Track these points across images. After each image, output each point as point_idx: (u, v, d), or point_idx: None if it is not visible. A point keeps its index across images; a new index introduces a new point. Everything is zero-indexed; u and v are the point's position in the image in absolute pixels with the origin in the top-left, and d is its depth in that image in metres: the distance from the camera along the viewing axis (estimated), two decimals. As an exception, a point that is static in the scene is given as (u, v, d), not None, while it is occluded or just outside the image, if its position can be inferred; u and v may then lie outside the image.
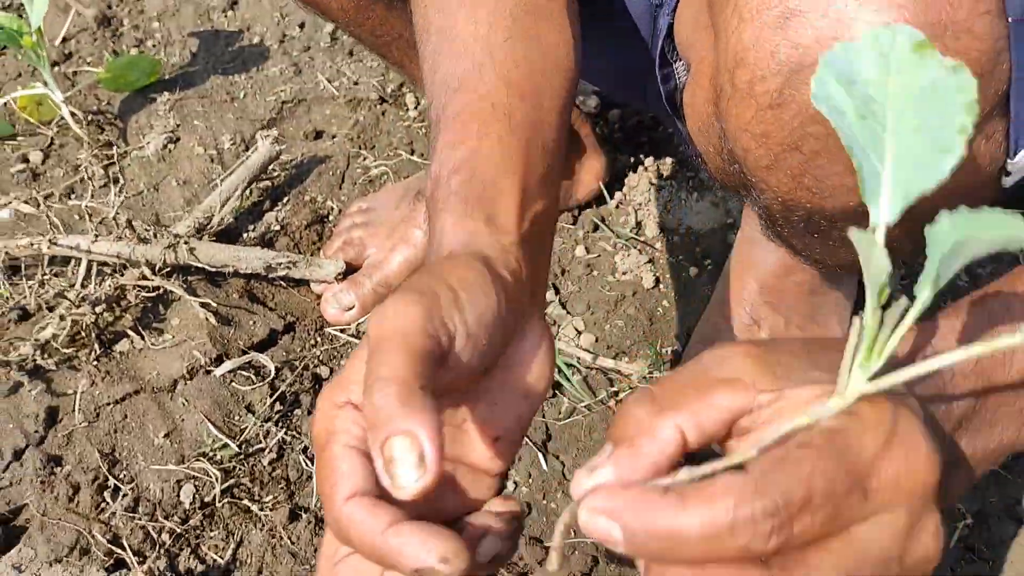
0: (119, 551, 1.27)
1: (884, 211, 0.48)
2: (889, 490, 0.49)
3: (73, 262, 1.53)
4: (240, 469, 1.37)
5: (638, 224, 1.70)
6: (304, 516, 1.33)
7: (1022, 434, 0.61)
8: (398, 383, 0.53)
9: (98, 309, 1.46)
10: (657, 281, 1.60)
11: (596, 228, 1.71)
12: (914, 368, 0.48)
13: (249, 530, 1.33)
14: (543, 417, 1.45)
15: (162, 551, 1.28)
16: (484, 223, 0.71)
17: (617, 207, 1.74)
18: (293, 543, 1.31)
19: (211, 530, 1.33)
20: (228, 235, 1.69)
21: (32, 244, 1.50)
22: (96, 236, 1.51)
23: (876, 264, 0.45)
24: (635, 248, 1.66)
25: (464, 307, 0.60)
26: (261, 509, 1.35)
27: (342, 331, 1.57)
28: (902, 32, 0.48)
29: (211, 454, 1.37)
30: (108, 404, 1.41)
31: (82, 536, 1.28)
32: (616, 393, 1.47)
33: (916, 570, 0.51)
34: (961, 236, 0.42)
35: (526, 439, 1.42)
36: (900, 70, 0.47)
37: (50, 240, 1.50)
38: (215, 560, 1.30)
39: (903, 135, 0.47)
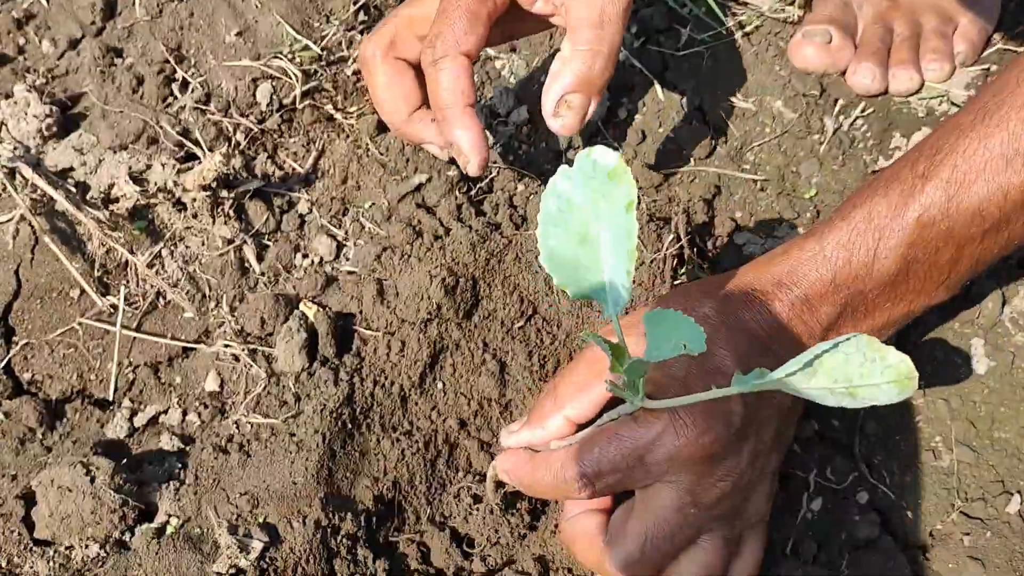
0: (189, 144, 1.14)
1: (611, 307, 0.74)
2: (665, 463, 0.78)
3: None
4: (322, 74, 1.21)
5: None
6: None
7: (897, 313, 0.86)
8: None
9: None
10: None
11: None
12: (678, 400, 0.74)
13: (332, 139, 1.19)
14: (660, 48, 1.28)
15: (236, 150, 1.15)
16: None
17: None
18: (382, 154, 1.17)
19: (290, 135, 1.19)
20: None
21: None
22: None
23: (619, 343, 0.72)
24: None
25: None
26: (345, 118, 1.20)
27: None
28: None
29: (290, 55, 1.21)
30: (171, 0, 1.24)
31: (148, 126, 1.14)
32: (742, 25, 1.28)
33: (715, 507, 0.80)
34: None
35: (643, 69, 1.25)
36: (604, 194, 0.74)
37: None
38: (294, 168, 1.17)
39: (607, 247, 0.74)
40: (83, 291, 1.08)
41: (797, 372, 0.66)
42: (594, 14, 0.93)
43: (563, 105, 0.95)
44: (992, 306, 1.02)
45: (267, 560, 0.88)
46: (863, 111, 1.18)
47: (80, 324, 1.06)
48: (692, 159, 1.18)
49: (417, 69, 1.03)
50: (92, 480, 0.90)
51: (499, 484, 0.91)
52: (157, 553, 0.88)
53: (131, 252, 1.08)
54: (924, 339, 1.02)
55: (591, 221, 0.73)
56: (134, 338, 1.06)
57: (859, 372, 0.65)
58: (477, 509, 0.94)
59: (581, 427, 0.85)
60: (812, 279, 0.83)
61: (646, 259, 0.98)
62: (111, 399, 1.04)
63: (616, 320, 0.74)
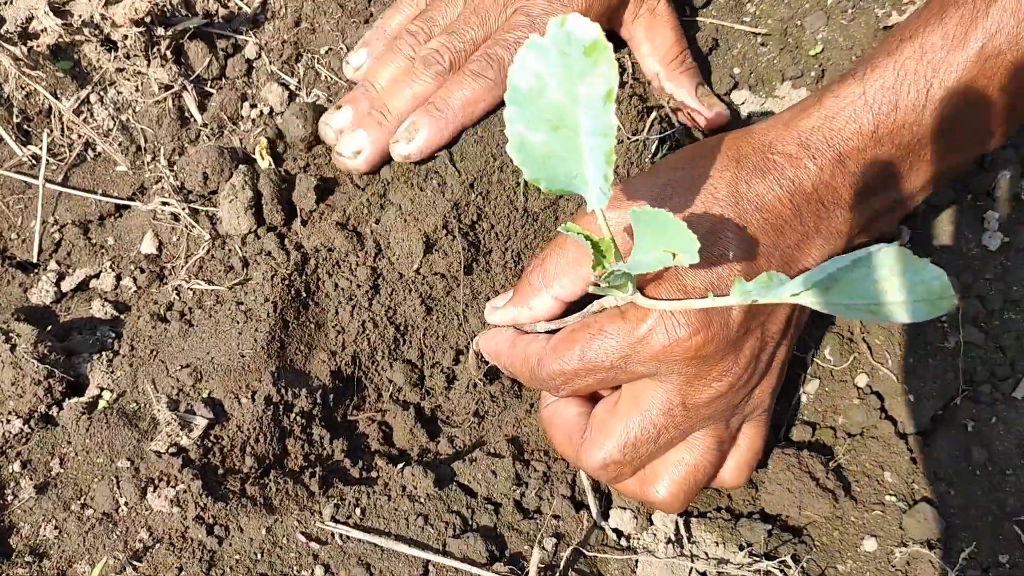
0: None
1: (594, 200, 0.63)
2: (653, 364, 0.69)
3: None
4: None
5: None
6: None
7: (943, 169, 0.73)
8: None
9: None
10: None
11: None
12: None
13: (284, -25, 1.05)
14: None
15: (175, -16, 1.01)
16: None
17: None
18: (340, -8, 1.03)
19: (236, -31, 1.05)
20: None
21: None
22: None
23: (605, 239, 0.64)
24: None
25: None
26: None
27: None
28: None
29: None
30: None
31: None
32: None
33: (706, 408, 0.72)
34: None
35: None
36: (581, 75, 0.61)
37: None
38: (240, 6, 1.03)
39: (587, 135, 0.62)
40: (0, 139, 0.95)
41: (810, 289, 0.57)
42: None
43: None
44: (1010, 177, 0.93)
45: (212, 438, 0.80)
46: (877, -40, 1.07)
47: (-2, 176, 0.94)
48: (687, 8, 1.06)
49: None
50: (12, 348, 0.80)
51: (482, 358, 0.83)
52: (88, 429, 0.79)
53: (55, 96, 0.95)
54: (935, 209, 0.94)
55: (567, 105, 0.62)
56: (60, 193, 0.94)
57: (884, 288, 0.55)
58: (451, 387, 0.86)
59: (571, 306, 0.76)
60: (849, 133, 0.70)
61: (624, 139, 0.86)
62: (35, 261, 0.93)
63: (601, 215, 0.64)
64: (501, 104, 0.84)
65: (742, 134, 0.75)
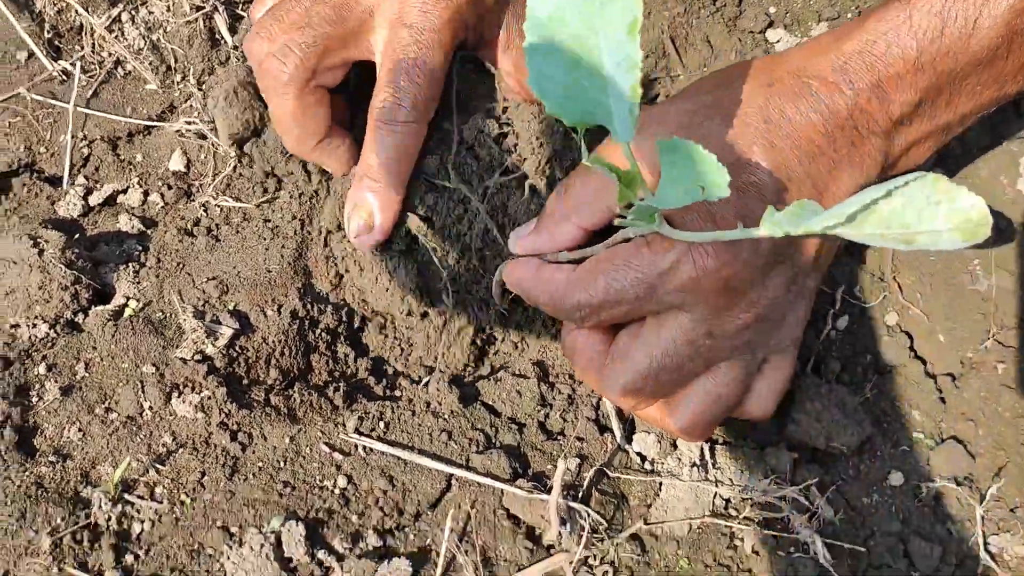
0: None
1: (620, 132, 0.61)
2: (679, 295, 0.68)
3: None
4: None
5: None
6: None
7: (984, 100, 0.72)
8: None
9: None
10: None
11: None
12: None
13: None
14: None
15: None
16: None
17: None
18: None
19: None
20: None
21: None
22: None
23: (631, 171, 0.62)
24: None
25: None
26: None
27: None
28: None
29: None
30: None
31: None
32: None
33: (733, 339, 0.70)
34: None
35: None
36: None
37: None
38: (275, -67, 1.02)
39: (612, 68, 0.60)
40: (32, 54, 0.95)
41: (845, 221, 0.56)
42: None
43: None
44: (1049, 120, 0.92)
45: (237, 348, 0.79)
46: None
47: (28, 90, 0.94)
48: (725, -52, 1.05)
49: (332, 93, 0.82)
50: (40, 253, 0.80)
51: (505, 288, 0.82)
52: (114, 336, 0.79)
53: (87, 13, 0.95)
54: (969, 153, 0.93)
55: (587, 36, 0.60)
56: (90, 110, 0.94)
57: (919, 217, 0.53)
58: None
59: (595, 235, 0.75)
60: (891, 59, 0.68)
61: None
62: (64, 176, 0.92)
63: (627, 148, 0.62)
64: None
65: (775, 58, 0.73)
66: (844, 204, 0.56)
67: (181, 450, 0.75)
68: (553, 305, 0.74)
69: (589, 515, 0.73)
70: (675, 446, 0.78)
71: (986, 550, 0.78)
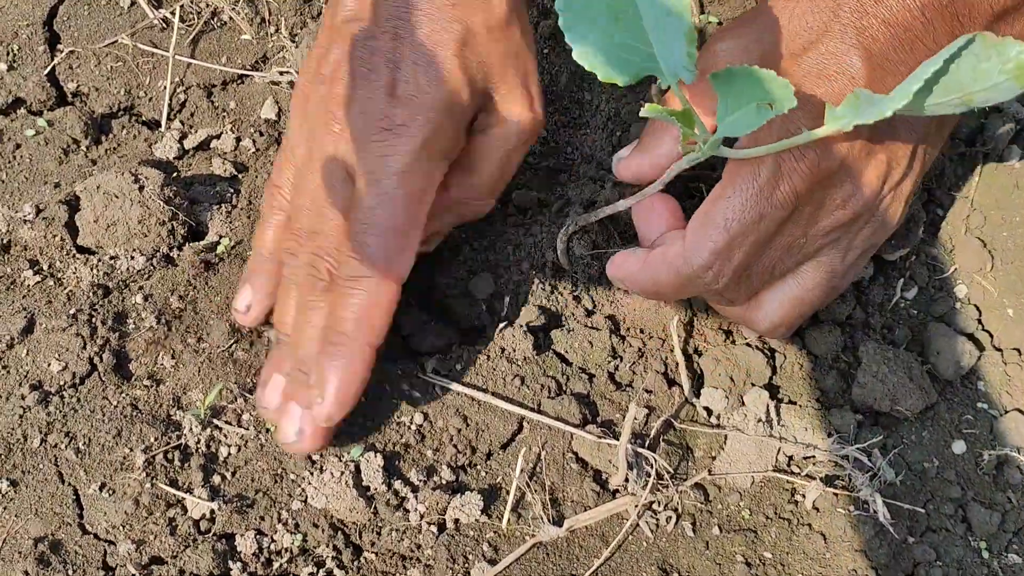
0: None
1: (670, 75, 0.65)
2: (786, 203, 0.68)
3: None
4: None
5: None
6: None
7: None
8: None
9: None
10: None
11: None
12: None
13: None
14: None
15: None
16: None
17: None
18: None
19: None
20: None
21: None
22: None
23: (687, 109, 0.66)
24: None
25: None
26: None
27: None
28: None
29: None
30: None
31: None
32: None
33: (823, 236, 0.72)
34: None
35: None
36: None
37: None
38: None
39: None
40: (134, 2, 0.99)
41: (908, 99, 0.57)
42: None
43: None
44: None
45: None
46: None
47: (130, 36, 0.98)
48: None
49: None
50: (141, 188, 0.84)
51: (573, 253, 0.84)
52: (207, 270, 0.83)
53: (187, -36, 0.99)
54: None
55: None
56: (188, 58, 0.98)
57: (972, 76, 0.56)
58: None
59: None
60: None
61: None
62: (161, 121, 0.97)
63: (677, 87, 0.64)
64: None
65: None
66: (906, 83, 0.57)
67: (268, 381, 0.79)
68: (679, 278, 0.72)
69: (656, 462, 0.76)
70: (742, 401, 0.80)
71: (1046, 519, 0.79)
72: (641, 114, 0.64)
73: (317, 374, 0.71)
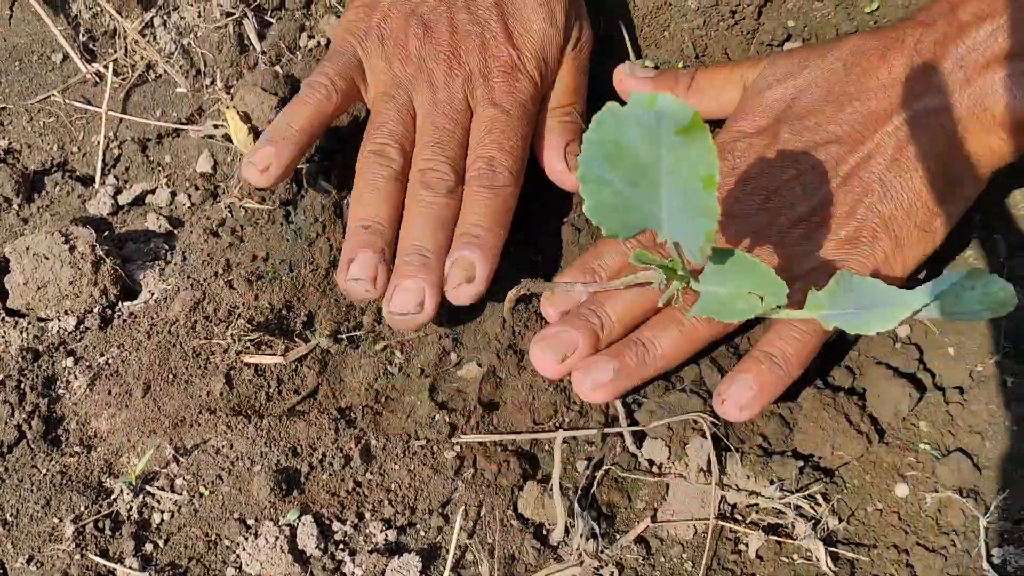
0: (189, -98, 1.02)
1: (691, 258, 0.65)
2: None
3: None
4: None
5: None
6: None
7: None
8: None
9: None
10: None
11: None
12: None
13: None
14: None
15: (241, -85, 1.03)
16: None
17: None
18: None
19: (301, -96, 1.06)
20: None
21: None
22: None
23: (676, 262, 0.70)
24: None
25: None
26: None
27: None
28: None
29: None
30: None
31: None
32: None
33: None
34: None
35: None
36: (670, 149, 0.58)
37: None
38: (304, -58, 1.05)
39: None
40: (67, 56, 0.98)
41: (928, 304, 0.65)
42: None
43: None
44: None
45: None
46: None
47: (62, 92, 0.97)
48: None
49: None
50: (72, 249, 0.83)
51: (516, 303, 0.84)
52: (141, 331, 0.81)
53: (121, 17, 0.98)
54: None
55: (649, 164, 0.60)
56: (121, 112, 0.97)
57: (966, 299, 0.64)
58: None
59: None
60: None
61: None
62: (95, 176, 0.95)
63: (673, 248, 0.67)
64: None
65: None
66: (925, 289, 0.64)
67: (203, 446, 0.77)
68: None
69: (592, 521, 0.75)
70: (684, 450, 0.80)
71: (989, 562, 0.78)
72: (631, 261, 0.66)
73: (461, 259, 0.80)
